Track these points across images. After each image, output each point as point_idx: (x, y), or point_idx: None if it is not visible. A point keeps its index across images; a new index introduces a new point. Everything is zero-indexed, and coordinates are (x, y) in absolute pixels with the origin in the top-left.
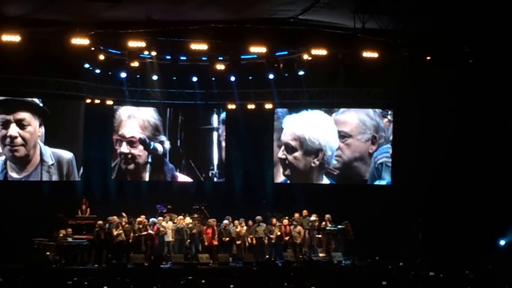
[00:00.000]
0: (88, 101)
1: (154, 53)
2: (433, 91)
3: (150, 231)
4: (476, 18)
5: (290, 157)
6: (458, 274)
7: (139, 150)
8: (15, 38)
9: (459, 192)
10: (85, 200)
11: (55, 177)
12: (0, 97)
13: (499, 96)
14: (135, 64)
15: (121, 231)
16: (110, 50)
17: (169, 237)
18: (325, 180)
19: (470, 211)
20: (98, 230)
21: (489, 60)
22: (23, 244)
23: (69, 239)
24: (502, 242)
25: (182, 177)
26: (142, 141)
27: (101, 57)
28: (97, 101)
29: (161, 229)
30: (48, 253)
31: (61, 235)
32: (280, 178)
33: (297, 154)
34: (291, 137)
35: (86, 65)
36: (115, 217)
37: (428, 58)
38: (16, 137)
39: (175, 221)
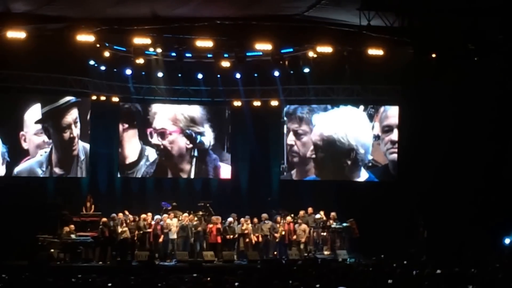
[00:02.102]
0: (94, 97)
1: (159, 50)
2: (438, 88)
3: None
4: (481, 15)
5: (319, 157)
6: (463, 272)
7: (169, 142)
8: (21, 34)
9: (465, 190)
10: (90, 197)
11: (84, 173)
12: (57, 103)
13: (505, 92)
14: (140, 61)
15: (125, 229)
16: (115, 47)
17: (174, 235)
18: (363, 176)
19: (475, 209)
20: (102, 228)
21: (494, 58)
22: (28, 241)
23: (73, 236)
24: (507, 241)
25: (224, 167)
26: (187, 135)
27: (106, 53)
28: (102, 98)
29: (165, 228)
30: (52, 250)
31: (65, 232)
32: (309, 175)
33: (327, 155)
34: (319, 138)
35: (92, 62)
36: (120, 214)
37: (433, 55)
38: (75, 138)
39: (180, 218)
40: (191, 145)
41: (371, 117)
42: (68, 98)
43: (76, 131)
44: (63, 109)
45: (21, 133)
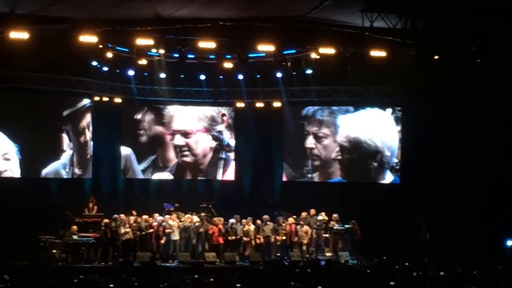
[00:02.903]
0: (97, 98)
1: (162, 51)
2: (441, 90)
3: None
4: (483, 17)
5: (345, 159)
6: (465, 274)
7: (195, 141)
8: (24, 35)
9: (467, 192)
10: (93, 198)
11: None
12: (76, 106)
13: (508, 94)
14: (143, 62)
15: (128, 229)
16: (118, 48)
17: (176, 236)
18: (388, 179)
19: (477, 211)
20: (105, 228)
21: (497, 59)
22: (29, 242)
23: (75, 237)
24: (510, 243)
25: (231, 168)
26: (215, 137)
27: (109, 54)
28: (105, 99)
29: (167, 229)
30: (54, 250)
31: (68, 233)
32: (333, 177)
33: (353, 156)
34: (346, 139)
35: (94, 63)
36: (122, 215)
37: (436, 57)
38: (88, 141)
39: (182, 219)
40: (215, 146)
41: (397, 120)
42: (85, 101)
43: (89, 134)
44: (80, 113)
45: (62, 134)
